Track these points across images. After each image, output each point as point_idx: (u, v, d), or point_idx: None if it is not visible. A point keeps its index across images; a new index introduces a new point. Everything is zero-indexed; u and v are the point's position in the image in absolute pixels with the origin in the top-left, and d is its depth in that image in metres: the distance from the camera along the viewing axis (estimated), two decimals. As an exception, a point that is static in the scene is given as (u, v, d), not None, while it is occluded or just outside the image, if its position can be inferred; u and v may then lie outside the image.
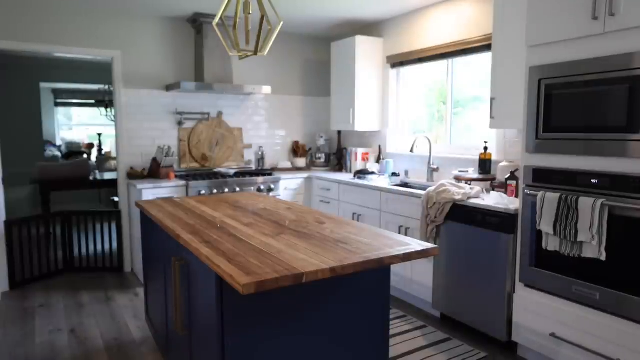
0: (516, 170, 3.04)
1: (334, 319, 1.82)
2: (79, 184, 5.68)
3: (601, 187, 2.23)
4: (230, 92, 4.64)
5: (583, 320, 2.34)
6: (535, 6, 2.48)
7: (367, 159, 4.75)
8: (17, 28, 3.81)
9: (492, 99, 3.07)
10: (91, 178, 5.74)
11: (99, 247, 4.53)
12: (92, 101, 8.62)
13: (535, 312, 2.56)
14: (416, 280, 3.41)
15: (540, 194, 2.45)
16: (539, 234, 2.49)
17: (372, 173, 4.28)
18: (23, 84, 7.38)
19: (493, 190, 3.28)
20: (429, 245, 1.85)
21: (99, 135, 8.48)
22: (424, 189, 3.36)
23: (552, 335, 2.47)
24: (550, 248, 2.42)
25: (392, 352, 2.76)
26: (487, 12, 3.50)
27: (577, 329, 2.37)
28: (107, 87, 7.16)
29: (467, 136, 3.94)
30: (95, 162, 7.64)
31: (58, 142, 8.33)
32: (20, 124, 7.30)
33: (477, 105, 3.80)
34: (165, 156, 4.21)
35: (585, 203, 2.24)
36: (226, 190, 4.18)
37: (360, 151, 4.77)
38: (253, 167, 4.97)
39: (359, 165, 4.72)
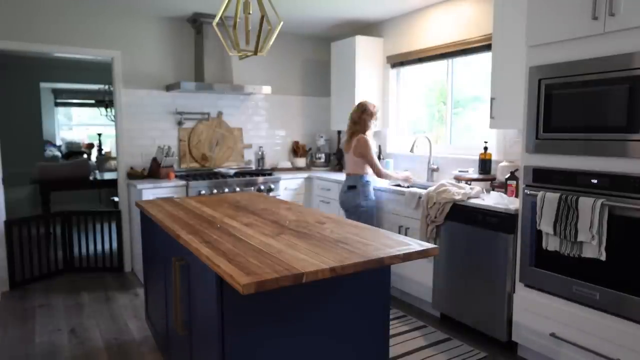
0: (516, 170, 3.03)
1: (334, 319, 1.82)
2: (79, 184, 5.68)
3: (601, 187, 2.23)
4: (230, 92, 4.64)
5: (583, 320, 2.34)
6: (535, 6, 2.48)
7: (367, 159, 4.75)
8: (17, 28, 3.81)
9: (492, 99, 3.07)
10: (91, 178, 5.74)
11: (99, 247, 4.52)
12: (92, 101, 8.62)
13: (535, 312, 2.56)
14: (416, 280, 3.41)
15: (540, 194, 2.45)
16: (539, 234, 2.49)
17: (372, 173, 4.28)
18: (23, 84, 7.37)
19: (493, 190, 3.28)
20: (429, 245, 1.85)
21: (99, 135, 8.48)
22: (424, 188, 3.36)
23: (552, 335, 2.47)
24: (550, 248, 2.42)
25: (392, 352, 2.76)
26: (487, 12, 3.50)
27: (577, 329, 2.37)
28: (107, 87, 7.16)
29: (467, 136, 3.94)
30: (95, 162, 7.64)
31: (58, 142, 8.33)
32: (20, 124, 7.29)
33: (477, 105, 3.80)
34: (165, 156, 4.21)
35: (585, 203, 2.24)
36: (226, 190, 4.18)
37: (360, 151, 4.76)
38: (253, 167, 4.97)
39: (359, 165, 4.71)
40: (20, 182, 5.98)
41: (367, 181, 3.54)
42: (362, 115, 3.54)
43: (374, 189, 3.61)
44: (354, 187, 3.52)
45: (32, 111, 7.52)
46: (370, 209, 3.54)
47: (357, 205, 3.50)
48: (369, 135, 3.57)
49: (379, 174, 3.55)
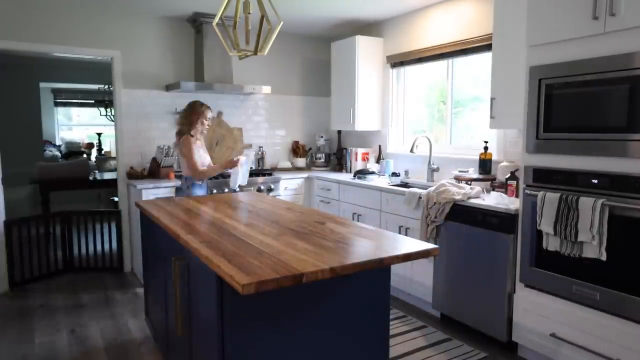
0: (516, 170, 3.03)
1: (334, 319, 1.82)
2: (79, 184, 5.68)
3: (601, 187, 2.23)
4: (230, 92, 4.64)
5: (583, 320, 2.34)
6: (535, 6, 2.48)
7: (367, 159, 4.75)
8: (17, 28, 3.81)
9: (492, 99, 3.07)
10: (91, 178, 5.74)
11: (99, 247, 4.52)
12: (92, 101, 8.62)
13: (536, 312, 2.56)
14: (416, 280, 3.41)
15: (540, 194, 2.44)
16: (539, 234, 2.49)
17: (372, 173, 4.27)
18: (23, 84, 7.36)
19: (493, 190, 3.27)
20: (429, 245, 1.85)
21: (99, 135, 8.47)
22: (424, 188, 3.36)
23: (552, 335, 2.47)
24: (551, 248, 2.42)
25: (392, 352, 2.76)
26: (487, 12, 3.50)
27: (577, 329, 2.37)
28: (106, 87, 7.15)
29: (467, 136, 3.94)
30: (95, 162, 7.64)
31: (58, 142, 8.33)
32: (20, 124, 7.28)
33: (477, 105, 3.80)
34: (165, 156, 4.20)
35: (586, 203, 2.23)
36: (226, 190, 4.17)
37: (360, 151, 4.76)
38: (253, 167, 4.97)
39: (359, 165, 4.71)
40: (20, 182, 5.97)
41: (193, 183, 3.49)
42: (189, 115, 3.48)
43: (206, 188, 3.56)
44: (180, 189, 3.61)
45: (32, 111, 7.51)
46: None
47: None
48: (198, 134, 3.53)
49: (193, 173, 3.44)
